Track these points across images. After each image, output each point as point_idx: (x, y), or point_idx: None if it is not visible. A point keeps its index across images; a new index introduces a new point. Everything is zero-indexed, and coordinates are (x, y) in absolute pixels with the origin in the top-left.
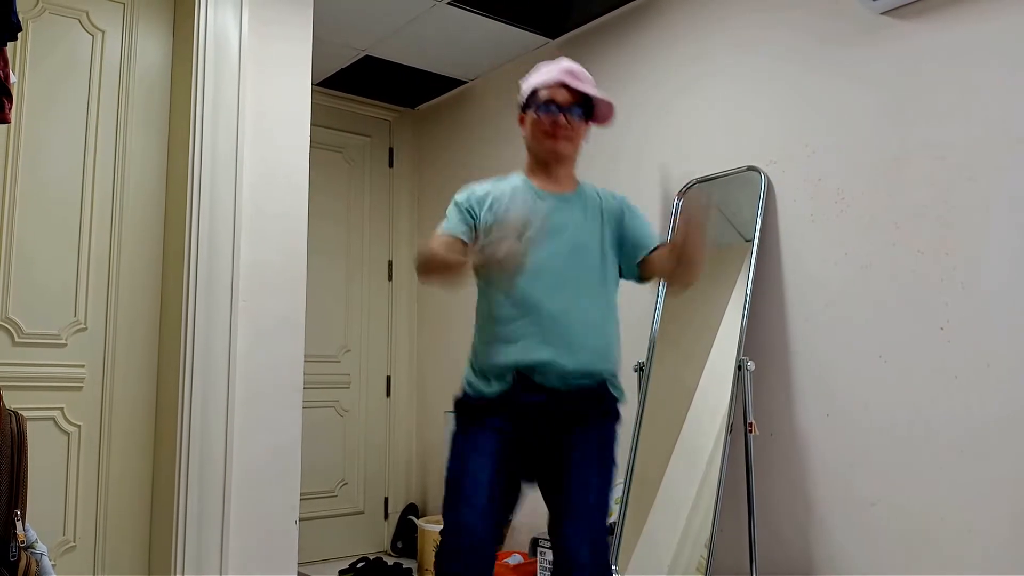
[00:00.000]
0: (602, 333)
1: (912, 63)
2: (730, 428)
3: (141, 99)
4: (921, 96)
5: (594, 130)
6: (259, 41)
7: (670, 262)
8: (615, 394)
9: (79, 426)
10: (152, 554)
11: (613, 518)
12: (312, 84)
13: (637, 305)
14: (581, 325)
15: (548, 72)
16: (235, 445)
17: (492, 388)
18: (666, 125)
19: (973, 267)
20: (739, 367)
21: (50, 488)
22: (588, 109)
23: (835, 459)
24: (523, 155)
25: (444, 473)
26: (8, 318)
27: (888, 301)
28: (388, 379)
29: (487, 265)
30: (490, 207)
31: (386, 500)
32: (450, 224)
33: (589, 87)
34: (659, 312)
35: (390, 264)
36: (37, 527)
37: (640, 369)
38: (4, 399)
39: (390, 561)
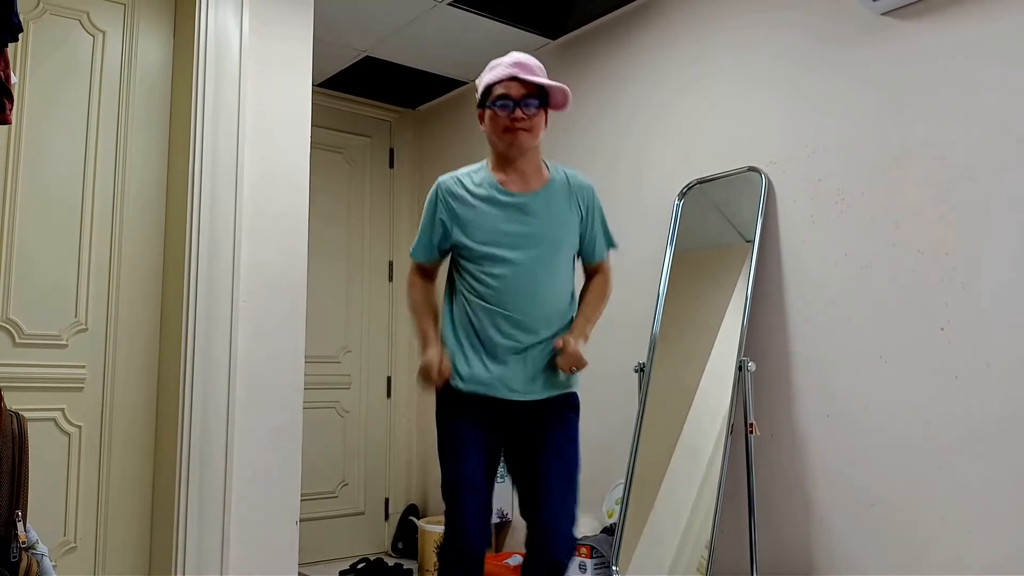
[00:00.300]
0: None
1: (912, 63)
2: (731, 429)
3: (142, 100)
4: (921, 96)
5: (594, 130)
6: (259, 42)
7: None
8: (572, 393)
9: (80, 427)
10: (153, 555)
11: (613, 519)
12: (312, 85)
13: (637, 306)
14: (543, 349)
15: (500, 69)
16: (235, 446)
17: (460, 384)
18: (666, 125)
19: (973, 267)
20: (740, 368)
21: (51, 489)
22: (543, 98)
23: (835, 459)
24: None
25: (438, 439)
26: (9, 319)
27: (888, 301)
28: (388, 380)
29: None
30: (457, 218)
31: (387, 501)
32: (417, 251)
33: (541, 77)
34: (660, 313)
35: (390, 265)
36: (38, 528)
37: (641, 370)
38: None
39: (391, 562)
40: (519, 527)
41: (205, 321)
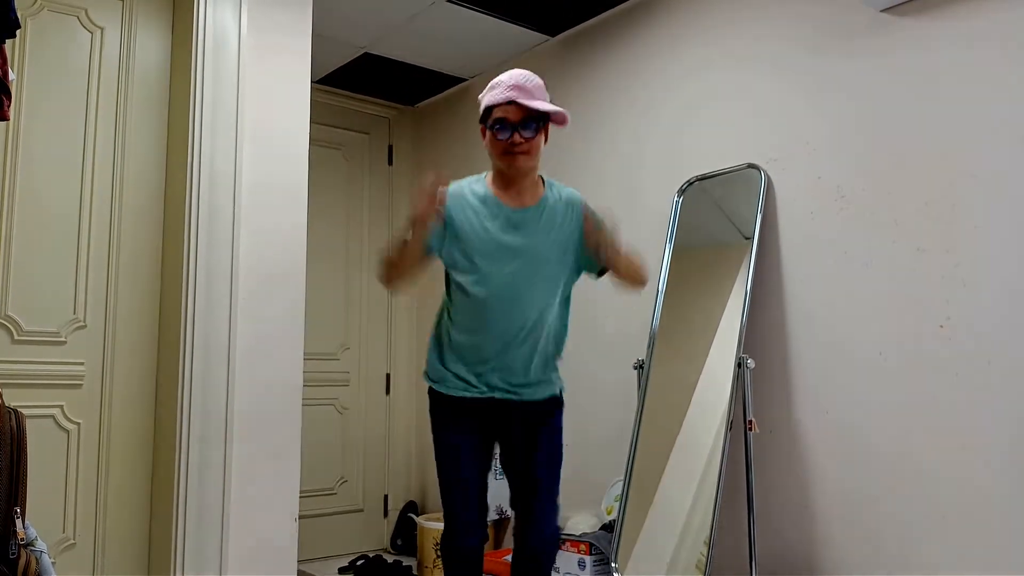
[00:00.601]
0: (551, 356)
1: (913, 60)
2: (730, 426)
3: (140, 96)
4: (921, 93)
5: (593, 127)
6: (258, 38)
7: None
8: (559, 393)
9: (79, 424)
10: (152, 551)
11: (612, 515)
12: (311, 81)
13: (637, 304)
14: (530, 354)
15: (499, 90)
16: (234, 442)
17: (448, 388)
18: (665, 122)
19: (973, 265)
20: (739, 365)
21: (50, 486)
22: (543, 119)
23: (834, 456)
24: None
25: (435, 442)
26: (7, 316)
27: (888, 299)
28: (387, 377)
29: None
30: (452, 220)
31: (386, 498)
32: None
33: (540, 98)
34: (659, 310)
35: None
36: (37, 525)
37: (640, 367)
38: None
39: (390, 559)
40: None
41: (204, 318)
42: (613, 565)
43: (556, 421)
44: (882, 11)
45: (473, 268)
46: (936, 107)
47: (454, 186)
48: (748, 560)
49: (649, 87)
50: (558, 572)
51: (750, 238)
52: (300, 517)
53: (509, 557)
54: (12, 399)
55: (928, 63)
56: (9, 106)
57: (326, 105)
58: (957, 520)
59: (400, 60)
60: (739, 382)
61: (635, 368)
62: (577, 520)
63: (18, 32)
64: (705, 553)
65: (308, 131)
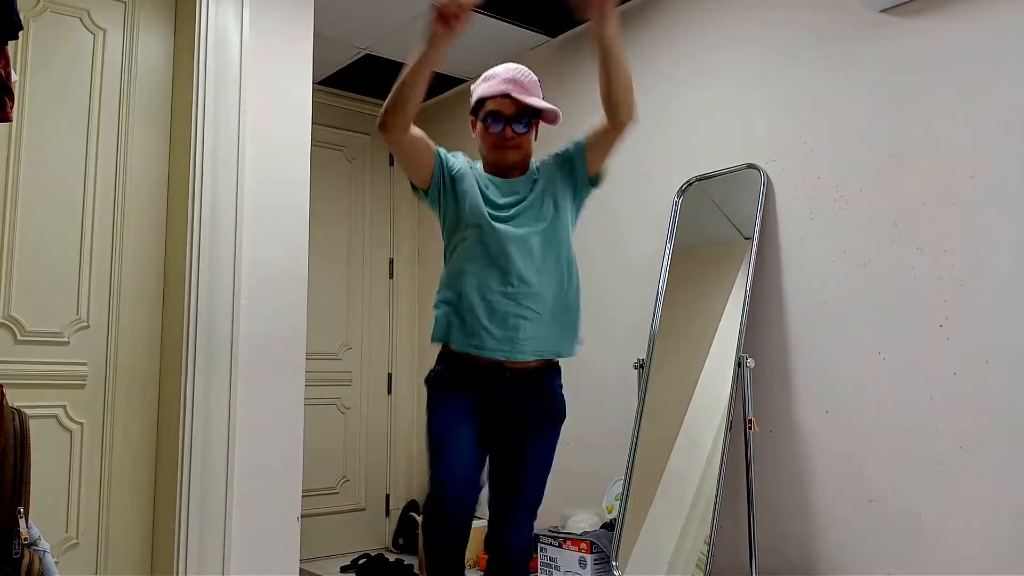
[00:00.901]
0: (556, 318)
1: (912, 61)
2: (730, 425)
3: (142, 98)
4: (920, 93)
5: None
6: (260, 39)
7: (600, 73)
8: (561, 392)
9: (81, 424)
10: (155, 551)
11: (613, 514)
12: (313, 82)
13: (637, 303)
14: (534, 316)
15: (493, 82)
16: (237, 442)
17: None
18: (665, 122)
19: (972, 264)
20: (739, 364)
21: (53, 486)
22: (535, 114)
23: (834, 456)
24: None
25: (427, 428)
26: (10, 316)
27: (887, 298)
28: (389, 376)
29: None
30: (458, 173)
31: (387, 497)
32: None
33: (534, 94)
34: (659, 310)
35: (391, 262)
36: (40, 525)
37: (640, 366)
38: (7, 397)
39: (391, 557)
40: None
41: (206, 318)
42: (614, 564)
43: (555, 427)
44: (881, 11)
45: (473, 224)
46: (935, 107)
47: (459, 157)
48: (748, 559)
49: (649, 88)
50: (559, 571)
51: (750, 238)
52: (302, 516)
53: None
54: (15, 399)
55: (927, 63)
56: (12, 107)
57: (328, 106)
58: (956, 520)
59: (402, 61)
60: (739, 381)
61: (635, 367)
62: (578, 519)
63: (20, 34)
64: (705, 552)
65: (310, 132)
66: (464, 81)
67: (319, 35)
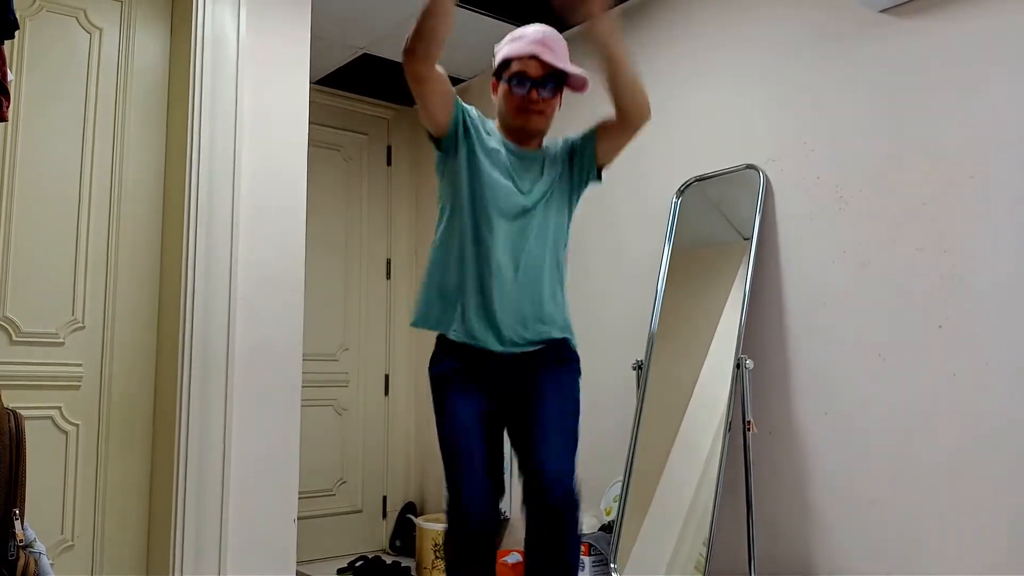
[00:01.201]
0: (549, 303)
1: (911, 61)
2: (729, 426)
3: (139, 97)
4: (920, 94)
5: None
6: (257, 39)
7: (604, 73)
8: (570, 347)
9: (77, 425)
10: (150, 552)
11: (611, 516)
12: (310, 82)
13: (635, 304)
14: (528, 297)
15: (521, 43)
16: (233, 443)
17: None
18: (664, 123)
19: (972, 265)
20: (738, 365)
21: (48, 487)
22: (561, 79)
23: (833, 457)
24: None
25: (438, 427)
26: (6, 317)
27: (887, 299)
28: (386, 378)
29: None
30: (474, 126)
31: (384, 499)
32: None
33: (562, 58)
34: (658, 311)
35: (388, 262)
36: (35, 526)
37: (639, 367)
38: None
39: (388, 560)
40: (518, 525)
41: (202, 319)
42: (612, 566)
43: (568, 369)
44: (880, 12)
45: (476, 198)
46: (934, 107)
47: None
48: (747, 561)
49: (648, 87)
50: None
51: (749, 238)
52: (299, 518)
53: (508, 558)
54: (10, 400)
55: (927, 63)
56: (8, 107)
57: (325, 106)
58: (956, 520)
59: (399, 61)
60: (738, 382)
61: (634, 368)
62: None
63: (17, 33)
64: (704, 553)
65: (307, 132)
66: (462, 81)
67: (316, 35)
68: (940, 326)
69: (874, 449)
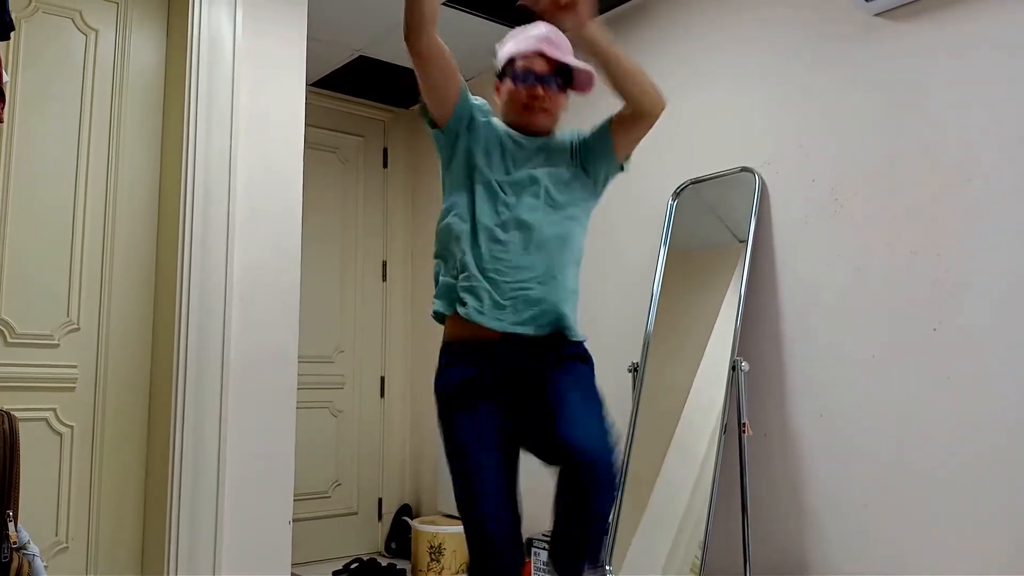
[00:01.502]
0: (560, 288)
1: (906, 64)
2: (724, 428)
3: (134, 99)
4: (915, 97)
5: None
6: (253, 41)
7: (608, 80)
8: (578, 339)
9: (72, 427)
10: (145, 555)
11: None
12: (306, 84)
13: (631, 306)
14: (540, 283)
15: (525, 40)
16: (228, 445)
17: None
18: (660, 125)
19: (967, 269)
20: (733, 367)
21: (43, 489)
22: (567, 77)
23: (828, 459)
24: None
25: (447, 459)
26: (0, 318)
27: (881, 302)
28: (382, 380)
29: None
30: (475, 122)
31: (380, 501)
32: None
33: (568, 56)
34: (653, 313)
35: (384, 264)
36: (29, 528)
37: (634, 370)
38: None
39: (384, 562)
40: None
41: (198, 321)
42: (608, 568)
43: (583, 364)
44: (875, 15)
45: (484, 182)
46: (929, 111)
47: (481, 101)
48: (742, 563)
49: None
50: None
51: (744, 241)
52: (294, 520)
53: None
54: (5, 402)
55: (922, 66)
56: (3, 109)
57: (321, 108)
58: (950, 523)
59: (395, 63)
60: (733, 385)
61: (630, 371)
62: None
63: (12, 34)
64: (699, 556)
65: (303, 133)
66: None
67: (312, 37)
68: (934, 329)
69: (869, 452)
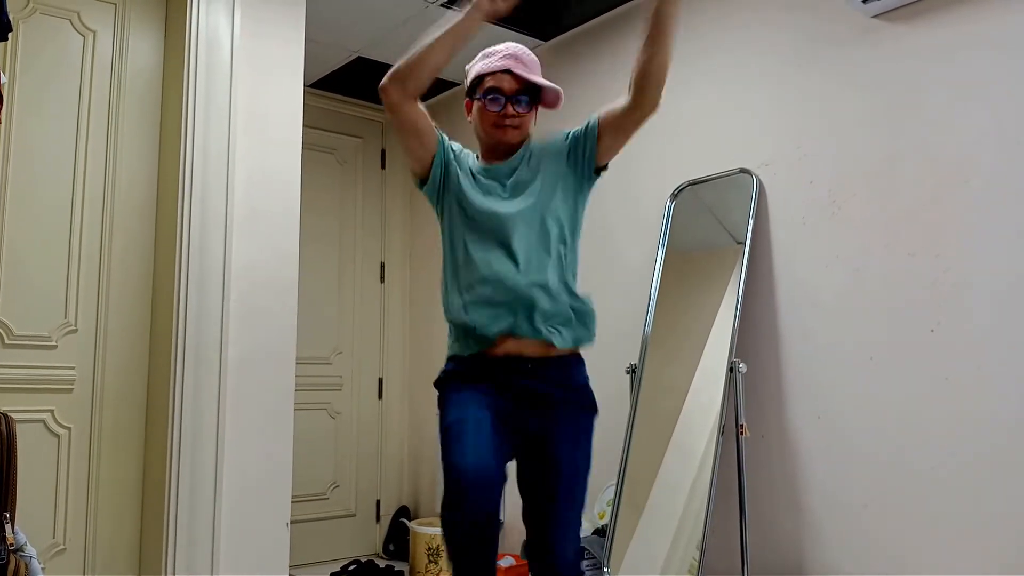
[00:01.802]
0: (560, 299)
1: (904, 66)
2: (722, 430)
3: (132, 100)
4: (913, 99)
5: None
6: (251, 42)
7: (644, 50)
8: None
9: (69, 428)
10: (143, 557)
11: (605, 520)
12: (304, 85)
13: (629, 307)
14: (538, 294)
15: (493, 59)
16: (226, 447)
17: (463, 348)
18: (658, 127)
19: (965, 270)
20: (731, 369)
21: (40, 491)
22: (535, 94)
23: (826, 461)
24: None
25: (440, 426)
26: None
27: (880, 303)
28: (380, 381)
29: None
30: (455, 158)
31: (378, 502)
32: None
33: (535, 72)
34: (651, 314)
35: (382, 266)
36: (27, 530)
37: (632, 371)
38: None
39: (382, 564)
40: (510, 529)
41: (195, 322)
42: (606, 570)
43: (587, 413)
44: (873, 17)
45: (472, 213)
46: (927, 112)
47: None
48: (740, 564)
49: None
50: None
51: (742, 242)
52: (292, 522)
53: (501, 562)
54: (2, 403)
55: (919, 68)
56: (1, 110)
57: (319, 109)
58: (949, 523)
59: (393, 64)
60: (731, 386)
61: (628, 372)
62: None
63: (10, 35)
64: (697, 557)
65: (301, 135)
66: (455, 85)
67: (310, 38)
68: (932, 330)
69: (866, 453)
